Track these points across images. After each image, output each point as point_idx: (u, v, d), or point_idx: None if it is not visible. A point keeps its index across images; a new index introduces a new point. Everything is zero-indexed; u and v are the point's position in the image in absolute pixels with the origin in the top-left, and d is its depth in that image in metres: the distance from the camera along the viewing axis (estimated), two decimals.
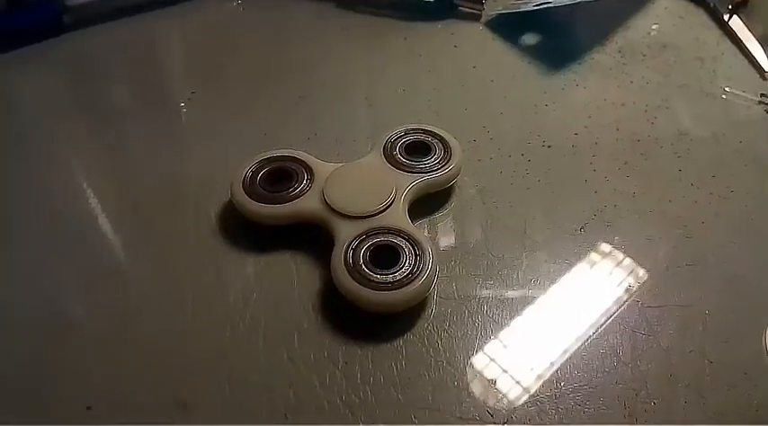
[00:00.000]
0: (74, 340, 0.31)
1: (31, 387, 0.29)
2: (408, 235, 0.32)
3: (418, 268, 0.31)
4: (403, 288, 0.30)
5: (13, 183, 0.39)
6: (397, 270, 0.31)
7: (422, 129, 0.39)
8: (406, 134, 0.39)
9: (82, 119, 0.44)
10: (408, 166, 0.37)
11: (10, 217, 0.37)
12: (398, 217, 0.34)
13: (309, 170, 0.36)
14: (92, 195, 0.38)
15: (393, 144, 0.38)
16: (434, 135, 0.39)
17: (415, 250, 0.32)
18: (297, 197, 0.35)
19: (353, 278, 0.30)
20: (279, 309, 0.32)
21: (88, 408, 0.28)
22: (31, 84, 0.46)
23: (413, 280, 0.31)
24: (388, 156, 0.37)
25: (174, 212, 0.37)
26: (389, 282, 0.30)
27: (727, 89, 0.48)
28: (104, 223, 0.37)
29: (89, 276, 0.34)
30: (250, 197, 0.35)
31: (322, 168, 0.36)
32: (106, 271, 0.34)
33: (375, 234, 0.33)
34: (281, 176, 0.36)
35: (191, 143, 0.43)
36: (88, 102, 0.45)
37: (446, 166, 0.37)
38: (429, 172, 0.37)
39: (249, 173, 0.36)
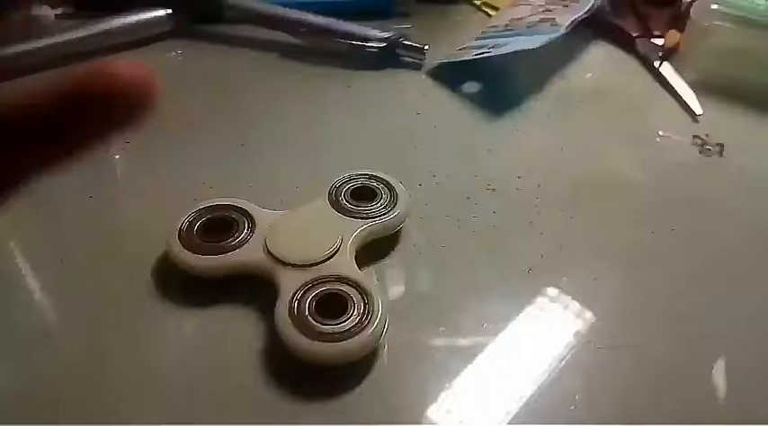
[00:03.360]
0: None
1: None
2: (356, 282, 0.31)
3: (367, 317, 0.30)
4: (353, 338, 0.29)
5: None
6: (346, 319, 0.30)
7: (367, 174, 0.39)
8: (351, 179, 0.38)
9: None
10: (354, 212, 0.36)
11: None
12: (345, 264, 0.33)
13: (250, 218, 0.35)
14: (18, 252, 0.36)
15: (338, 189, 0.37)
16: (380, 180, 0.38)
17: (363, 298, 0.31)
18: (237, 247, 0.33)
19: (299, 330, 0.29)
20: (221, 370, 0.30)
21: None
22: None
23: (363, 329, 0.29)
24: (333, 202, 0.36)
25: (106, 267, 0.35)
26: (338, 332, 0.29)
27: (660, 133, 0.49)
28: (32, 280, 0.35)
29: (16, 336, 0.31)
30: (187, 248, 0.33)
31: (264, 216, 0.35)
32: (33, 332, 0.32)
33: (322, 282, 0.31)
34: (220, 226, 0.35)
35: (124, 194, 0.41)
36: None
37: (393, 211, 0.36)
38: (375, 217, 0.36)
39: (186, 224, 0.34)
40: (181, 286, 0.34)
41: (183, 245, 0.33)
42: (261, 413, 0.28)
